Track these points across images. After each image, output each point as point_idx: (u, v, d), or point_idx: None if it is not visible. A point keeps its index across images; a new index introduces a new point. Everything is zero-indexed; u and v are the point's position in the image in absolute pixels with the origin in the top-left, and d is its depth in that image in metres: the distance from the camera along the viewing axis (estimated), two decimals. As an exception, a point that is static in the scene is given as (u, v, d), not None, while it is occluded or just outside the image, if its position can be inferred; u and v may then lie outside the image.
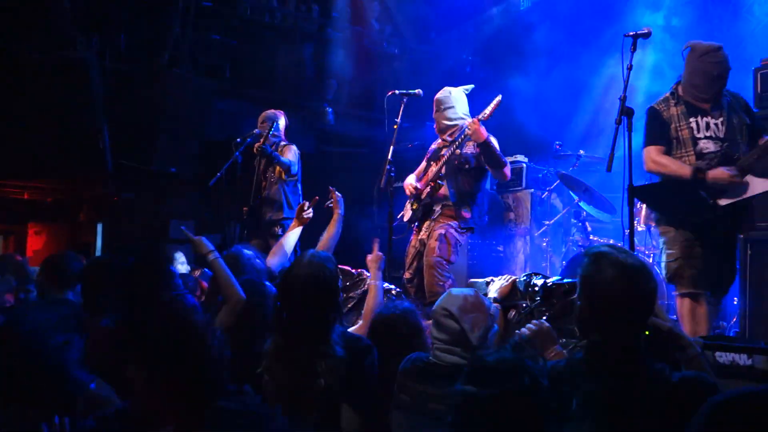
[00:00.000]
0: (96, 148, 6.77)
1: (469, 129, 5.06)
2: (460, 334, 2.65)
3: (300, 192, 6.35)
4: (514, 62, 8.79)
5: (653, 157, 4.15)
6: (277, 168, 6.20)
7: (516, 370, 1.68)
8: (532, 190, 7.35)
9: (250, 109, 7.08)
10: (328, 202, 4.47)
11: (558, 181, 6.91)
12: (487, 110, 5.09)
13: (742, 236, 4.79)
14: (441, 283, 5.02)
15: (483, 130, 4.99)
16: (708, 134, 4.07)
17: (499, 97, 5.11)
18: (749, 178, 3.98)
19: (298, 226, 4.52)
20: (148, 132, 7.43)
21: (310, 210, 4.53)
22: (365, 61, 9.10)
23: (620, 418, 1.94)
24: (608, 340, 2.07)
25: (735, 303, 5.31)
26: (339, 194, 4.43)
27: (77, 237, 8.19)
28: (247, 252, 3.88)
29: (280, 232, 6.01)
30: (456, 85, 5.55)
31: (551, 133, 7.37)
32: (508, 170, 5.22)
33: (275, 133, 6.24)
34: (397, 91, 5.68)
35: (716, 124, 4.07)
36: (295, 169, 6.20)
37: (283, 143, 6.31)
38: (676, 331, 2.35)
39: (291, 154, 6.19)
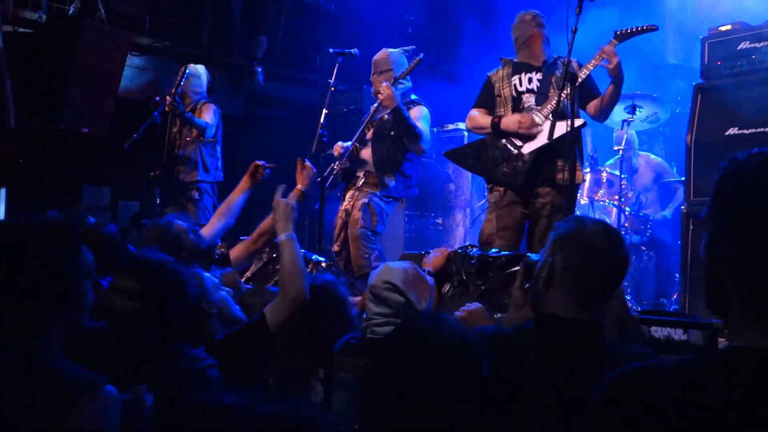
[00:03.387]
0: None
1: (381, 94, 5.00)
2: (405, 306, 2.66)
3: (219, 155, 6.20)
4: (459, 24, 8.78)
5: (468, 116, 4.73)
6: None
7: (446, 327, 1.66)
8: (474, 159, 7.39)
9: (172, 65, 6.86)
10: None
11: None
12: (404, 71, 5.10)
13: (684, 210, 4.96)
14: (367, 256, 4.99)
15: (394, 96, 4.93)
16: (530, 87, 4.55)
17: (419, 58, 5.09)
18: (546, 123, 4.37)
19: (249, 186, 4.11)
20: (57, 89, 7.00)
21: (265, 171, 4.12)
22: (299, 16, 8.91)
23: (566, 384, 1.91)
24: (573, 306, 1.98)
25: (677, 279, 5.49)
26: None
27: (-24, 204, 7.85)
28: (180, 225, 3.39)
29: (196, 196, 5.90)
30: (397, 47, 5.47)
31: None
32: (424, 144, 5.12)
33: (197, 90, 6.08)
34: (331, 50, 5.60)
35: (538, 79, 4.56)
36: (212, 132, 6.02)
37: (203, 101, 6.14)
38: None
39: (209, 114, 6.02)
